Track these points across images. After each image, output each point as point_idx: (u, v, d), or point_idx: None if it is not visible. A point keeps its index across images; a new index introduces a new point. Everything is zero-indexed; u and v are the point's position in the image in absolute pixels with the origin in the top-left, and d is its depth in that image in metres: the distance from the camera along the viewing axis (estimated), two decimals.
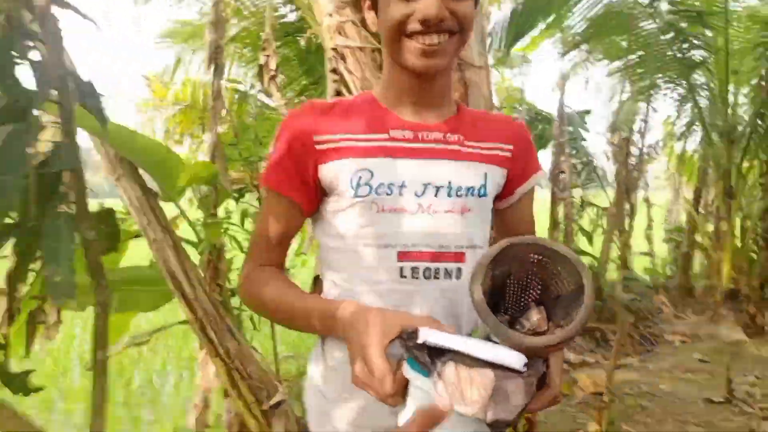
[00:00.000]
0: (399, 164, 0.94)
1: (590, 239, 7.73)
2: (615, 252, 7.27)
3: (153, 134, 5.58)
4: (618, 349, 3.30)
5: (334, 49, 1.75)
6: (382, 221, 0.93)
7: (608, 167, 7.41)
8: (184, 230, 2.68)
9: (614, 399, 3.08)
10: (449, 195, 0.95)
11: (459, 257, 0.96)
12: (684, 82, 5.74)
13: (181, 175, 1.87)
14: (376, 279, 0.94)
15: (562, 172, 7.29)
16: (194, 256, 2.55)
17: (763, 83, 5.33)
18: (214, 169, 2.07)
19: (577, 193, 8.11)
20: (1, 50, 0.91)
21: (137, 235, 2.34)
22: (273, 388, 2.58)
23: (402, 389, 0.73)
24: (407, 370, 0.72)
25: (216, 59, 2.54)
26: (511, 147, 1.04)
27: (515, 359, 0.72)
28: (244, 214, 3.02)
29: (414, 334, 0.73)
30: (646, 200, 8.12)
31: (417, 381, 0.71)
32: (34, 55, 0.97)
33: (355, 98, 1.03)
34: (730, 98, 5.63)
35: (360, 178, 0.92)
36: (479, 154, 1.00)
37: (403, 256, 0.93)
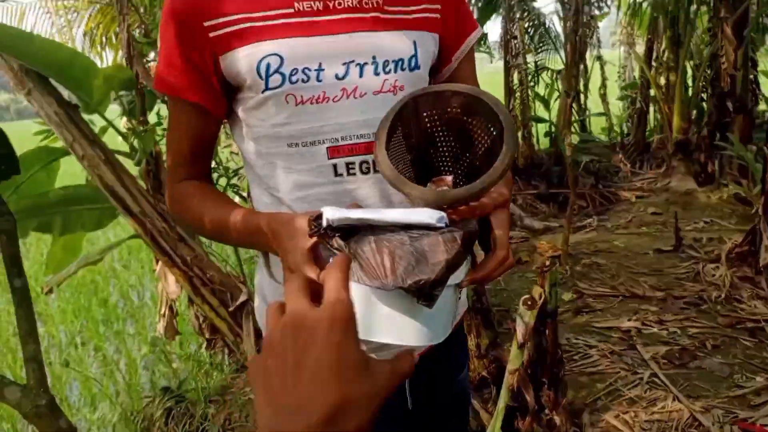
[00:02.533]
0: (312, 43, 0.82)
1: (547, 104, 7.71)
2: (573, 115, 7.28)
3: (73, 42, 5.15)
4: (572, 211, 3.38)
5: None
6: (303, 115, 0.82)
7: (561, 28, 7.21)
8: (117, 142, 2.56)
9: (566, 262, 3.20)
10: (376, 72, 0.84)
11: None
12: None
13: (94, 82, 1.72)
14: (307, 182, 0.85)
15: (514, 37, 7.09)
16: (132, 168, 2.46)
17: None
18: (129, 71, 1.92)
19: (530, 58, 7.96)
20: None
21: (66, 153, 2.22)
22: (236, 290, 2.60)
23: None
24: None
25: None
26: (438, 6, 0.91)
27: (425, 215, 0.67)
28: None
29: (319, 218, 0.69)
30: (599, 58, 8.02)
31: None
32: None
33: None
34: None
35: (268, 65, 0.80)
36: (404, 20, 0.88)
37: (334, 151, 0.84)
